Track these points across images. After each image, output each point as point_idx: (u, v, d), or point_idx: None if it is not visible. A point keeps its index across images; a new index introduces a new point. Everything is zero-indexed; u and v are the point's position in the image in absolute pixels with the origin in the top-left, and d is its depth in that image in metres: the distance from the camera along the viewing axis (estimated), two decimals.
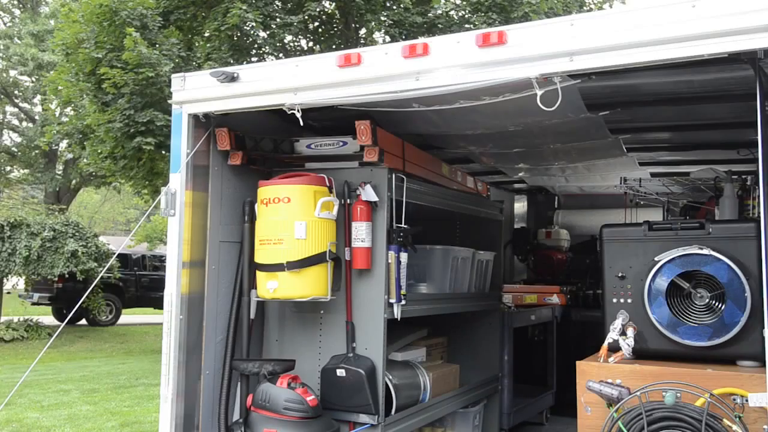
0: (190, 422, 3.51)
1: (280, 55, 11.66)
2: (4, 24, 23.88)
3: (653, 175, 5.30)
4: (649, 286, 3.18)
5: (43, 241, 13.61)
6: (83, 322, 16.55)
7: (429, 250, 4.19)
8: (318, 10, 10.63)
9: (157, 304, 16.63)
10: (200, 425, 3.56)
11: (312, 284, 3.42)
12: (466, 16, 11.03)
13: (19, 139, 24.01)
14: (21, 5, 23.84)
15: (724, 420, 2.64)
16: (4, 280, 15.48)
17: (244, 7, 9.69)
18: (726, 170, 4.48)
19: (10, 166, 24.83)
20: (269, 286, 3.43)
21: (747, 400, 2.67)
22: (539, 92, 2.71)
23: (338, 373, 3.53)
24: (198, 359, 3.57)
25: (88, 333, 15.39)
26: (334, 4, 11.52)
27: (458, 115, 3.63)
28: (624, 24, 2.58)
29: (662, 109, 3.83)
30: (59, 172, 22.82)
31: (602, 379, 3.00)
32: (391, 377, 3.76)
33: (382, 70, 3.05)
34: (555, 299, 5.90)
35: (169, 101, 3.76)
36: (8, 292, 20.09)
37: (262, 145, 3.81)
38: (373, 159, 3.60)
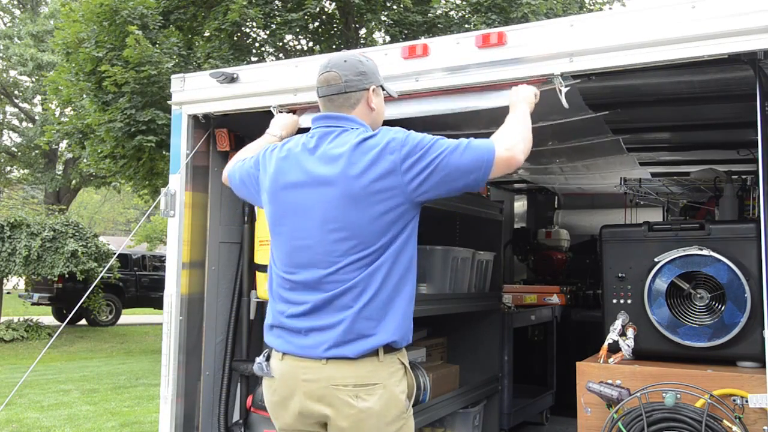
0: (190, 423, 3.51)
1: (281, 55, 11.67)
2: (4, 24, 23.88)
3: (653, 175, 5.30)
4: (649, 286, 3.18)
5: (43, 241, 13.59)
6: (83, 322, 16.55)
7: (429, 250, 4.18)
8: (318, 8, 10.62)
9: (157, 304, 16.64)
10: (200, 426, 3.55)
11: None
12: (466, 16, 11.03)
13: (19, 139, 24.01)
14: (21, 5, 23.84)
15: (724, 421, 2.64)
16: (4, 280, 15.47)
17: (245, 3, 9.69)
18: (726, 170, 4.48)
19: (10, 166, 24.84)
20: None
21: (747, 401, 2.67)
22: (563, 90, 2.69)
23: None
24: (198, 360, 3.57)
25: (88, 333, 15.38)
26: (334, 4, 11.51)
27: (458, 116, 3.62)
28: (624, 25, 2.57)
29: (662, 110, 3.82)
30: (59, 172, 22.82)
31: (602, 379, 3.00)
32: None
33: (382, 71, 3.04)
34: (555, 299, 5.89)
35: (168, 101, 3.76)
36: (8, 292, 20.12)
37: None
38: None
